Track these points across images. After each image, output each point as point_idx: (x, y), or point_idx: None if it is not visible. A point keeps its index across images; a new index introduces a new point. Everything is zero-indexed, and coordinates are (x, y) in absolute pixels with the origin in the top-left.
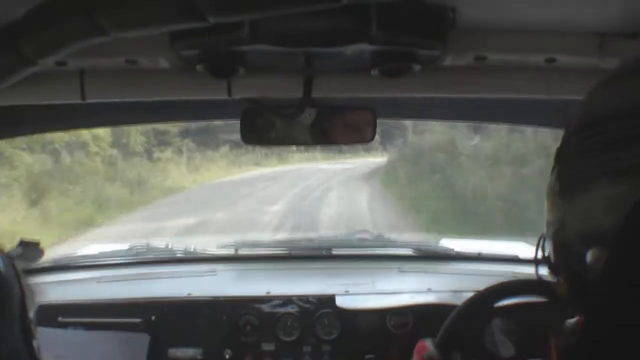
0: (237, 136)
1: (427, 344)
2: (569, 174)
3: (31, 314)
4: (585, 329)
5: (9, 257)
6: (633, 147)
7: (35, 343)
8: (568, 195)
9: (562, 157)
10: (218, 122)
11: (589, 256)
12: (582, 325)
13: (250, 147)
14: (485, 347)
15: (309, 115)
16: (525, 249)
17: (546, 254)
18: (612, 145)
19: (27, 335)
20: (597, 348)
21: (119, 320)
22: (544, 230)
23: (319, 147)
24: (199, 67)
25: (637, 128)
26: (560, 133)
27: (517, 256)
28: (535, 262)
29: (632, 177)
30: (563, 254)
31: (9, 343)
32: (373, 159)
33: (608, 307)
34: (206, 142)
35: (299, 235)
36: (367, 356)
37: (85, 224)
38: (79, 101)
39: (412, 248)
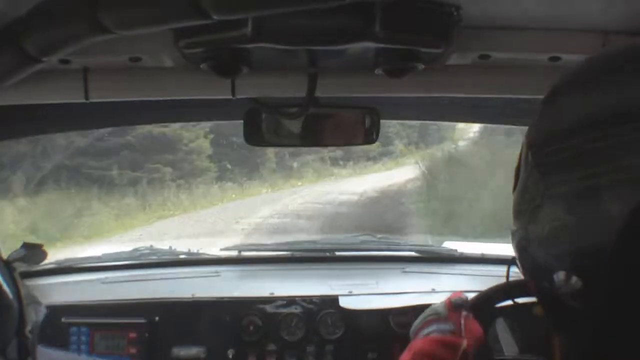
0: None
1: (463, 294)
2: (528, 193)
3: (28, 330)
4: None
5: (10, 270)
6: (588, 165)
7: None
8: (529, 214)
9: (522, 174)
10: None
11: (557, 279)
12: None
13: None
14: (488, 347)
15: (312, 115)
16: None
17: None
18: (569, 163)
19: (22, 353)
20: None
21: (123, 320)
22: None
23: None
24: (203, 66)
25: (592, 144)
26: None
27: None
28: (508, 264)
29: (593, 199)
30: (530, 269)
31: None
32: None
33: (592, 328)
34: None
35: (302, 237)
36: (370, 356)
37: None
38: (83, 100)
39: (416, 250)
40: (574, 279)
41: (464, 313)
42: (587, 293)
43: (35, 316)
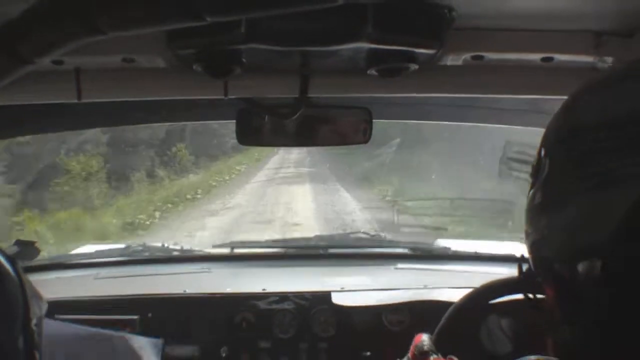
0: None
1: (423, 337)
2: (550, 187)
3: (34, 323)
4: (580, 336)
5: (13, 261)
6: (614, 157)
7: (37, 354)
8: (550, 208)
9: (541, 170)
10: None
11: (581, 269)
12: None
13: None
14: (481, 345)
15: (304, 116)
16: (522, 249)
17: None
18: (593, 156)
19: (30, 346)
20: (597, 350)
21: (116, 317)
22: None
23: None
24: (195, 67)
25: (618, 139)
26: None
27: (513, 255)
28: (520, 261)
29: (616, 188)
30: (546, 266)
31: (10, 353)
32: None
33: (606, 318)
34: None
35: (296, 234)
36: (364, 353)
37: None
38: (75, 101)
39: (409, 247)
40: (599, 264)
41: (431, 358)
42: (610, 277)
43: (38, 310)
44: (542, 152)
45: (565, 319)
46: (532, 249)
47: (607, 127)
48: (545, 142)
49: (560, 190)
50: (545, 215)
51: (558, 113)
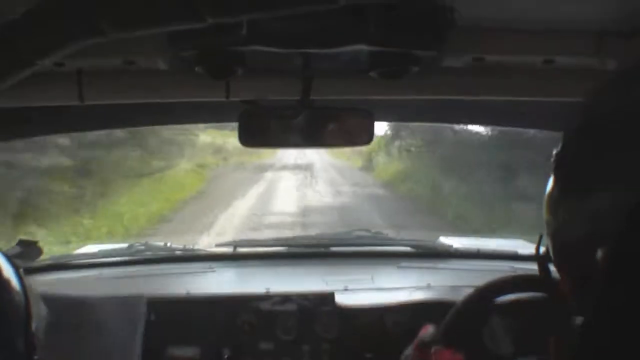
0: None
1: (429, 328)
2: (571, 176)
3: (34, 325)
4: (586, 329)
5: (15, 264)
6: (634, 147)
7: (36, 357)
8: (570, 197)
9: (563, 160)
10: None
11: (598, 257)
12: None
13: None
14: (484, 344)
15: (307, 117)
16: (524, 246)
17: (547, 252)
18: (613, 146)
19: (29, 348)
20: (600, 349)
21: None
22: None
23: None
24: (197, 69)
25: (637, 129)
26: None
27: (516, 252)
28: (536, 259)
29: (635, 178)
30: (565, 253)
31: (10, 354)
32: None
33: (611, 307)
34: None
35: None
36: (367, 355)
37: None
38: (77, 103)
39: (411, 245)
40: (620, 252)
41: (433, 349)
42: (630, 267)
43: (40, 312)
44: (565, 142)
45: (582, 311)
46: (552, 238)
47: (626, 118)
48: (567, 133)
49: (581, 178)
50: (566, 203)
51: (580, 106)
